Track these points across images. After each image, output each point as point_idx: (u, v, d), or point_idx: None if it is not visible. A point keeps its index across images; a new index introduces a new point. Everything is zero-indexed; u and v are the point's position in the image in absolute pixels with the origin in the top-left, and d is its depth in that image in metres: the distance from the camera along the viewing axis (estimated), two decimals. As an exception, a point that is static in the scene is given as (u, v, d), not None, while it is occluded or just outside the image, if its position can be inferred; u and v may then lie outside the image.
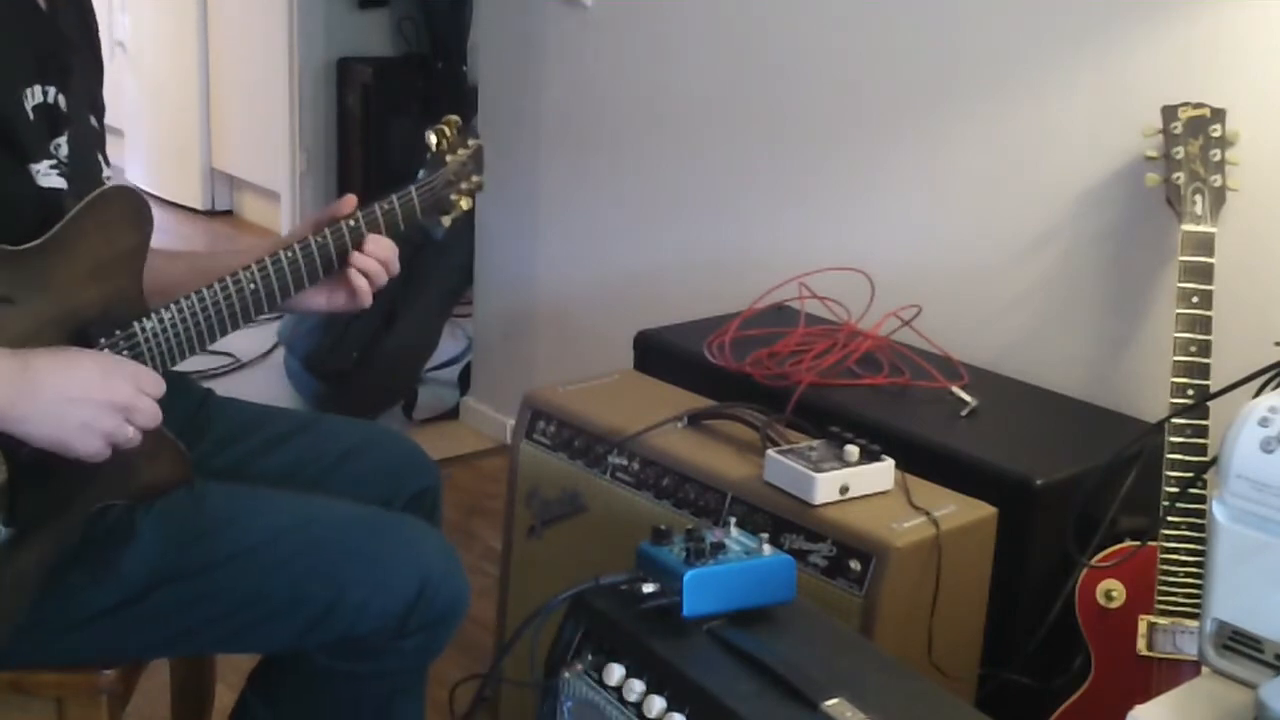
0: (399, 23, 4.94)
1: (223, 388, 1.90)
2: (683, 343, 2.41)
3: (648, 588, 1.46)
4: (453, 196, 1.83)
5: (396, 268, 1.73)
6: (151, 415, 1.47)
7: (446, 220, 1.84)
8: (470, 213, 1.86)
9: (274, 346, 4.05)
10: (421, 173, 1.80)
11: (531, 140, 3.38)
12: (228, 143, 5.62)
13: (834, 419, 1.98)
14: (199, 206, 5.77)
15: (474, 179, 1.86)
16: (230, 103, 5.52)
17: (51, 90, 1.54)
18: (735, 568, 1.47)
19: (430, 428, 3.73)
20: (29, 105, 1.51)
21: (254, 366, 4.05)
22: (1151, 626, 1.91)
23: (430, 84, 4.82)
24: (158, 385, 1.48)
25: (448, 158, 1.82)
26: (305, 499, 1.68)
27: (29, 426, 1.38)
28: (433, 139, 1.82)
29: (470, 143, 1.85)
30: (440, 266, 3.77)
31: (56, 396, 1.39)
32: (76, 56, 1.61)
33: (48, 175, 1.52)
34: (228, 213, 5.82)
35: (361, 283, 1.69)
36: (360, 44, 4.93)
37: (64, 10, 1.61)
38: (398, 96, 4.83)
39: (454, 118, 1.85)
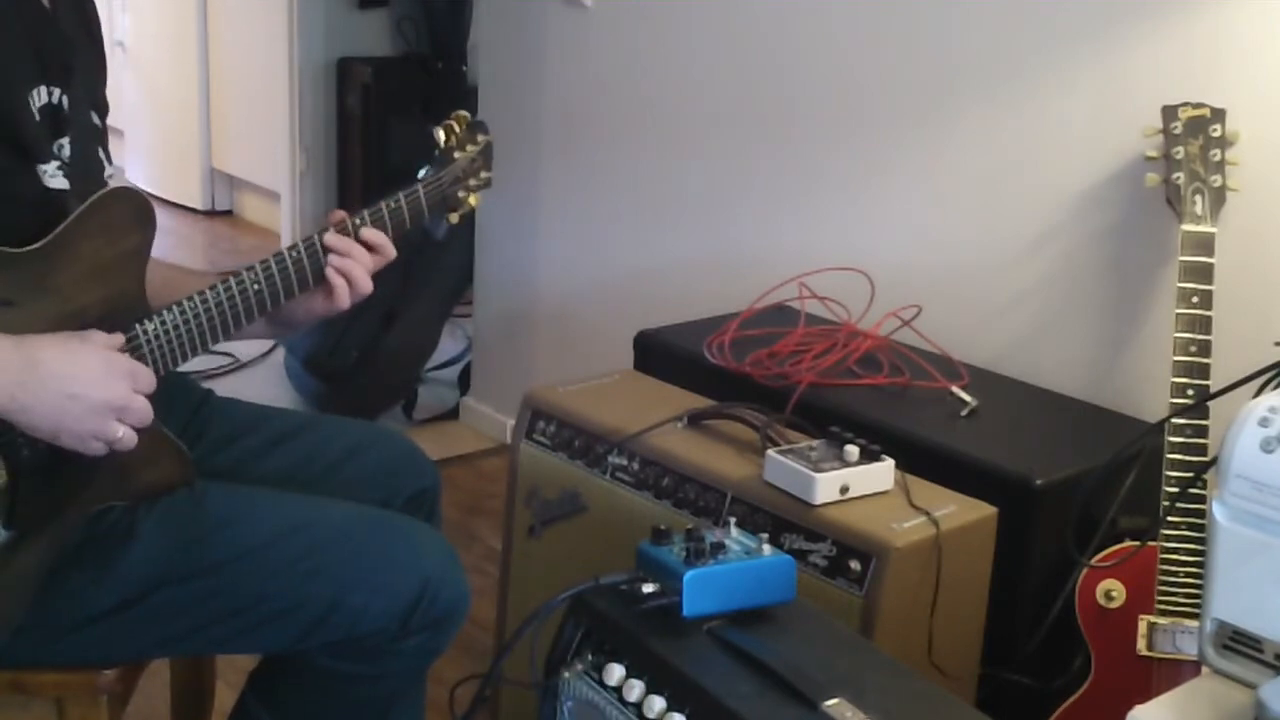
0: (399, 23, 4.94)
1: (223, 388, 1.90)
2: (683, 343, 2.41)
3: (648, 588, 1.46)
4: (460, 194, 1.79)
5: (391, 251, 1.69)
6: (144, 415, 1.47)
7: (454, 217, 1.81)
8: (471, 212, 1.85)
9: (274, 346, 4.06)
10: (426, 169, 1.77)
11: (531, 140, 3.39)
12: (228, 143, 5.62)
13: (834, 419, 1.98)
14: (199, 206, 5.77)
15: (482, 175, 1.82)
16: (230, 103, 5.52)
17: (56, 91, 1.54)
18: (735, 568, 1.47)
19: (430, 428, 3.74)
20: (35, 106, 1.51)
21: (254, 366, 4.05)
22: (1151, 626, 1.91)
23: (430, 84, 4.82)
24: (151, 383, 1.48)
25: (456, 154, 1.78)
26: (306, 500, 1.67)
27: (28, 416, 1.38)
28: (441, 135, 1.78)
29: (480, 138, 1.82)
30: (440, 266, 3.77)
31: (58, 391, 1.39)
32: (78, 55, 1.61)
33: (54, 176, 1.52)
34: (228, 213, 5.82)
35: (339, 282, 1.64)
36: (360, 44, 4.93)
37: (65, 8, 1.61)
38: (398, 96, 4.82)
39: (463, 113, 1.82)
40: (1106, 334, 2.31)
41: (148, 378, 1.48)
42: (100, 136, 1.65)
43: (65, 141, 1.55)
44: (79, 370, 1.40)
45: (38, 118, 1.51)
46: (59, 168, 1.53)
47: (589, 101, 3.25)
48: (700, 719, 1.36)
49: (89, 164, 1.59)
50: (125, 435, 1.45)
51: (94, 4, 1.71)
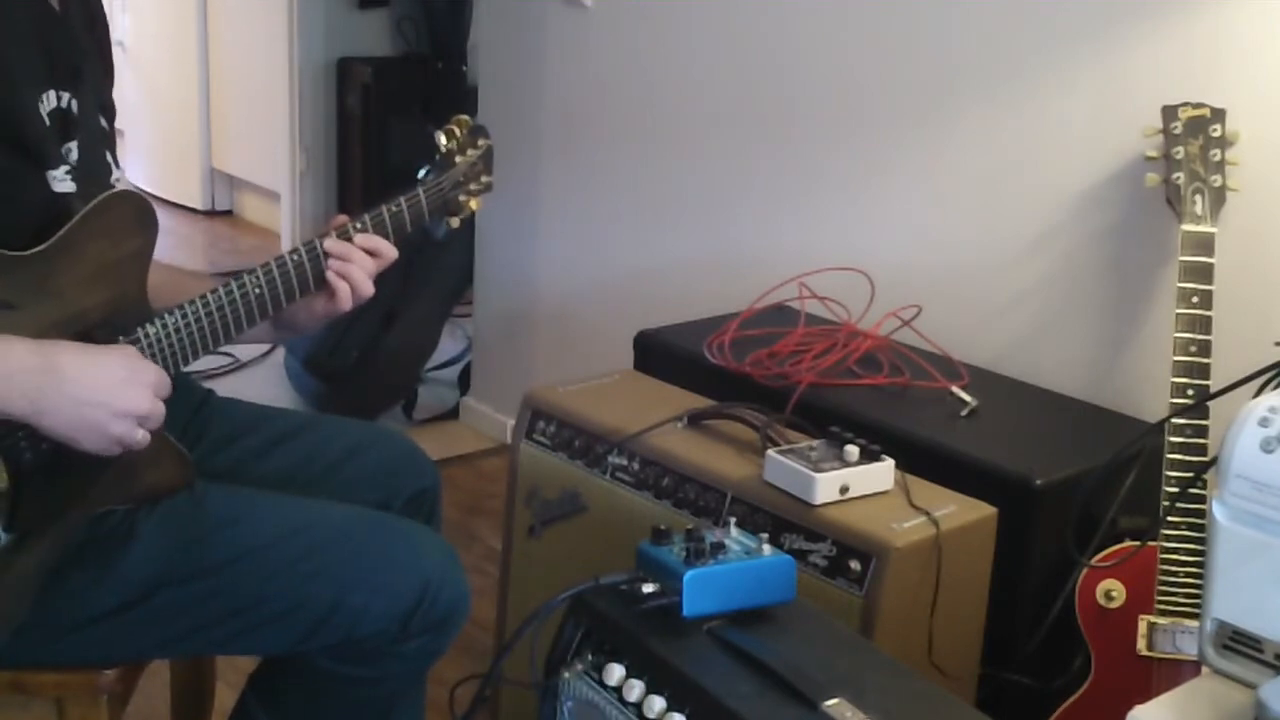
0: (399, 23, 4.94)
1: (223, 388, 1.90)
2: (683, 343, 2.41)
3: (648, 588, 1.46)
4: (461, 198, 1.80)
5: (392, 254, 1.69)
6: (160, 420, 1.48)
7: (455, 221, 1.81)
8: (471, 216, 1.85)
9: (274, 347, 4.05)
10: (425, 172, 1.77)
11: (532, 140, 3.39)
12: (228, 143, 5.62)
13: (834, 419, 1.98)
14: (199, 207, 5.77)
15: (483, 179, 1.82)
16: (230, 103, 5.52)
17: (65, 95, 1.53)
18: (735, 568, 1.47)
19: (430, 428, 3.74)
20: (44, 111, 1.51)
21: (254, 366, 4.05)
22: (1151, 626, 1.91)
23: (430, 84, 4.82)
24: (168, 388, 1.50)
25: (457, 158, 1.78)
26: (306, 502, 1.67)
27: (46, 420, 1.39)
28: (442, 139, 1.78)
29: (480, 143, 1.82)
30: (440, 266, 3.77)
31: (74, 398, 1.39)
32: (86, 59, 1.61)
33: (62, 181, 1.52)
34: (228, 213, 5.82)
35: (341, 285, 1.64)
36: (360, 44, 4.93)
37: (74, 12, 1.61)
38: (398, 96, 4.82)
39: (464, 117, 1.82)
40: (1106, 334, 2.31)
41: (167, 384, 1.49)
42: (108, 140, 1.65)
43: (73, 145, 1.54)
44: (98, 379, 1.41)
45: (47, 122, 1.51)
46: (67, 172, 1.52)
47: (589, 101, 3.25)
48: (700, 719, 1.36)
49: (96, 168, 1.59)
50: (143, 438, 1.46)
51: (101, 5, 1.71)
